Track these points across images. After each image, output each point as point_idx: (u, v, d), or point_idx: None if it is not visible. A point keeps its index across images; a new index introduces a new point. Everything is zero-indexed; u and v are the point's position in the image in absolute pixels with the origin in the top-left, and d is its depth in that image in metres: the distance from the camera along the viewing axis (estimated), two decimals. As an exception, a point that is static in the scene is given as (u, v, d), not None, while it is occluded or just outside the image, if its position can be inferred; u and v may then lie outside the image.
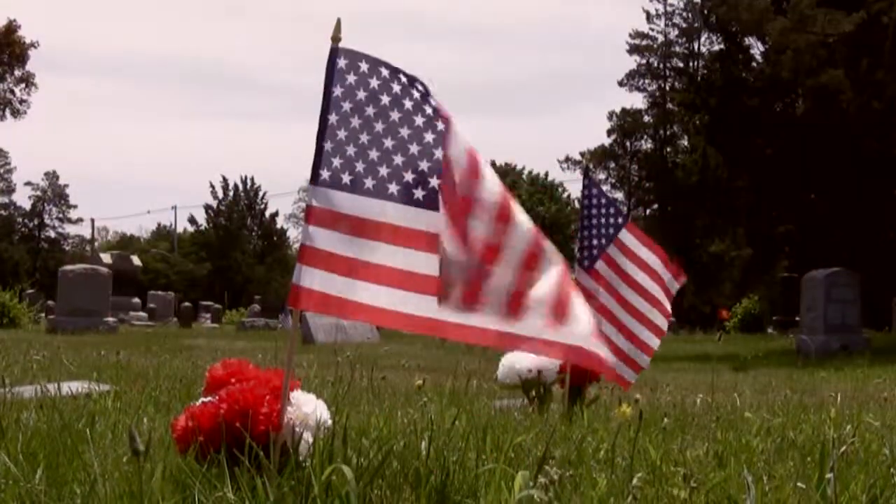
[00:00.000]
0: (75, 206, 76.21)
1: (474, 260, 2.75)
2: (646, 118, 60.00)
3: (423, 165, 2.78)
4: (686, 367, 14.43)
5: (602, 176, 58.15)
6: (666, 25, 59.00)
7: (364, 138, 2.79)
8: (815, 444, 3.85)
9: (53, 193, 75.72)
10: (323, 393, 4.92)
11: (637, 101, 72.81)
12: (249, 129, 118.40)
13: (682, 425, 4.71)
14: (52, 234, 76.29)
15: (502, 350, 5.20)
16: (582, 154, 60.30)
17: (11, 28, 48.43)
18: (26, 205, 75.52)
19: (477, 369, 8.84)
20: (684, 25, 58.50)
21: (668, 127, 58.81)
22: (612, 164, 60.12)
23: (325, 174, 2.76)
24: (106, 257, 34.40)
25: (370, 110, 2.80)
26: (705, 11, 46.49)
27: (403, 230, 2.73)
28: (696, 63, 56.90)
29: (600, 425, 4.38)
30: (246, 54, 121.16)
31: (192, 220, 73.47)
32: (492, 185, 2.80)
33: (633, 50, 59.04)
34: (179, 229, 76.09)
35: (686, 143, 57.12)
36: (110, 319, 22.17)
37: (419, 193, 2.76)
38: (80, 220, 75.94)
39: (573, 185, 68.23)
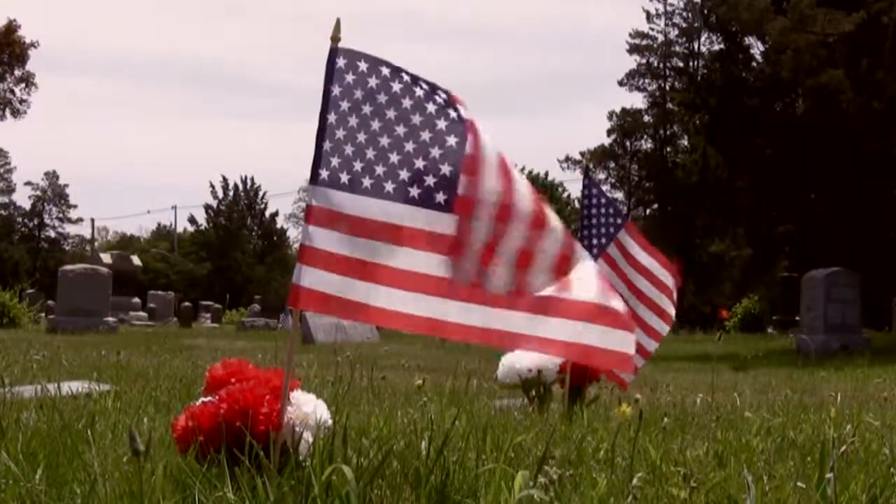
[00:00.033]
0: (75, 206, 76.29)
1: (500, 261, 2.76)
2: (646, 118, 60.01)
3: (419, 163, 2.77)
4: (686, 367, 14.43)
5: (602, 176, 58.16)
6: (666, 25, 59.03)
7: (361, 137, 2.78)
8: (815, 443, 3.86)
9: (53, 193, 75.73)
10: (323, 393, 4.92)
11: (637, 100, 72.83)
12: (249, 129, 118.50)
13: (682, 425, 4.71)
14: (52, 233, 76.33)
15: (502, 350, 5.20)
16: (582, 154, 60.30)
17: (11, 28, 48.43)
18: (26, 205, 75.61)
19: (477, 369, 8.84)
20: (684, 25, 58.51)
21: (668, 127, 58.81)
22: (612, 164, 60.13)
23: (324, 174, 2.76)
24: (106, 257, 34.41)
25: (367, 109, 2.80)
26: (705, 11, 46.48)
27: (401, 229, 2.73)
28: (696, 63, 56.90)
29: (600, 425, 4.38)
30: (246, 54, 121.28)
31: (192, 220, 73.53)
32: (523, 192, 2.79)
33: (633, 50, 59.04)
34: (179, 229, 76.15)
35: (686, 142, 57.13)
36: (110, 319, 22.17)
37: (414, 191, 2.75)
38: (80, 219, 76.02)
39: (573, 185, 68.26)
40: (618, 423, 4.14)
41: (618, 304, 2.79)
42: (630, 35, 59.05)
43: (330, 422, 2.92)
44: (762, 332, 31.76)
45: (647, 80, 59.56)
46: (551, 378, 5.41)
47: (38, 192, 75.35)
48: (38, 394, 5.01)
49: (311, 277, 2.70)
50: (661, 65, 59.29)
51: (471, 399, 6.13)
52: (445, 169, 2.76)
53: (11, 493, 2.67)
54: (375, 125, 2.79)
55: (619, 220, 5.49)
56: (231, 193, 72.31)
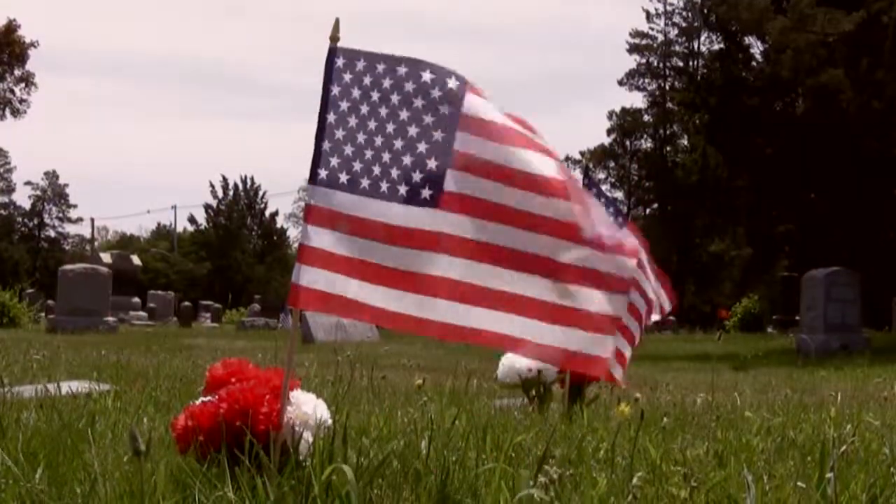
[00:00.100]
0: (75, 206, 76.33)
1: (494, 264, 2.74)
2: (646, 117, 60.06)
3: (407, 160, 2.76)
4: (686, 367, 14.42)
5: (602, 175, 58.22)
6: (666, 25, 59.10)
7: (361, 138, 2.78)
8: (816, 443, 3.85)
9: (53, 193, 75.76)
10: (323, 392, 4.92)
11: (637, 100, 72.83)
12: (249, 129, 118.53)
13: (682, 425, 4.71)
14: (52, 233, 76.36)
15: (502, 350, 5.19)
16: (582, 153, 60.30)
17: (11, 28, 48.42)
18: (26, 204, 75.64)
19: (477, 369, 8.83)
20: (684, 25, 58.57)
21: (668, 126, 58.86)
22: (612, 164, 60.17)
23: (323, 173, 2.76)
24: (106, 257, 34.39)
25: (364, 109, 2.80)
26: (705, 11, 46.49)
27: (396, 228, 2.73)
28: (695, 62, 56.95)
29: (600, 424, 4.38)
30: (246, 54, 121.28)
31: (191, 220, 73.55)
32: (522, 193, 2.75)
33: (633, 49, 59.10)
34: (179, 229, 76.16)
35: (686, 142, 57.19)
36: (110, 319, 22.16)
37: (403, 189, 2.75)
38: (79, 219, 76.05)
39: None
40: (618, 423, 4.14)
41: (597, 306, 2.77)
42: (630, 35, 59.16)
43: (330, 421, 2.92)
44: (762, 332, 31.73)
45: (646, 80, 59.63)
46: (551, 378, 5.41)
47: (38, 192, 75.40)
48: (38, 393, 5.01)
49: (310, 277, 2.70)
50: (661, 64, 59.34)
51: (471, 399, 6.12)
52: (432, 164, 2.75)
53: (11, 492, 2.67)
54: (372, 125, 2.79)
55: (619, 220, 5.48)
56: (231, 193, 72.34)
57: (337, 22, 2.81)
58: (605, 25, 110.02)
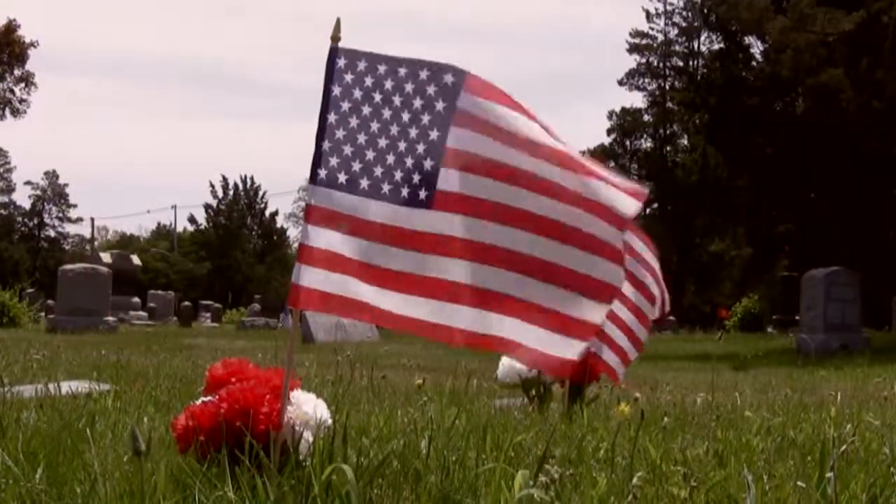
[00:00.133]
0: (75, 206, 76.37)
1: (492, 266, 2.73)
2: (645, 117, 60.07)
3: (409, 162, 2.76)
4: (686, 367, 14.42)
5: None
6: (666, 24, 59.13)
7: (362, 139, 2.78)
8: (816, 443, 3.85)
9: (53, 193, 75.77)
10: (323, 392, 4.92)
11: (637, 100, 72.82)
12: (249, 129, 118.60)
13: (682, 424, 4.71)
14: (52, 233, 76.39)
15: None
16: (582, 153, 60.05)
17: (11, 27, 48.41)
18: (26, 204, 75.68)
19: (477, 369, 8.83)
20: (684, 24, 58.59)
21: (668, 126, 58.87)
22: (612, 164, 60.10)
23: (322, 173, 2.76)
24: (106, 257, 34.39)
25: (366, 110, 2.79)
26: (705, 10, 46.47)
27: (396, 230, 2.73)
28: (695, 62, 56.97)
29: (600, 424, 4.38)
30: (246, 54, 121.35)
31: (191, 220, 73.58)
32: (522, 192, 2.74)
33: (633, 49, 59.11)
34: (179, 229, 76.18)
35: (686, 142, 57.20)
36: (110, 319, 22.16)
37: (405, 191, 2.75)
38: (79, 219, 76.09)
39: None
40: (618, 423, 4.14)
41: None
42: (630, 34, 59.17)
43: (330, 421, 2.92)
44: (762, 332, 31.73)
45: (646, 80, 59.65)
46: (551, 378, 5.40)
47: (38, 192, 75.42)
48: (38, 393, 5.01)
49: (310, 277, 2.70)
50: (661, 64, 59.35)
51: (471, 398, 6.12)
52: (428, 164, 2.75)
53: (12, 492, 2.67)
54: (374, 126, 2.79)
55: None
56: (231, 193, 72.34)
57: (338, 22, 2.81)
58: (605, 25, 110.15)
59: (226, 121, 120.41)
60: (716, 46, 48.32)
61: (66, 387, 5.50)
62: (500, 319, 2.73)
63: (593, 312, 2.75)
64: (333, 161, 2.76)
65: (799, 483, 2.92)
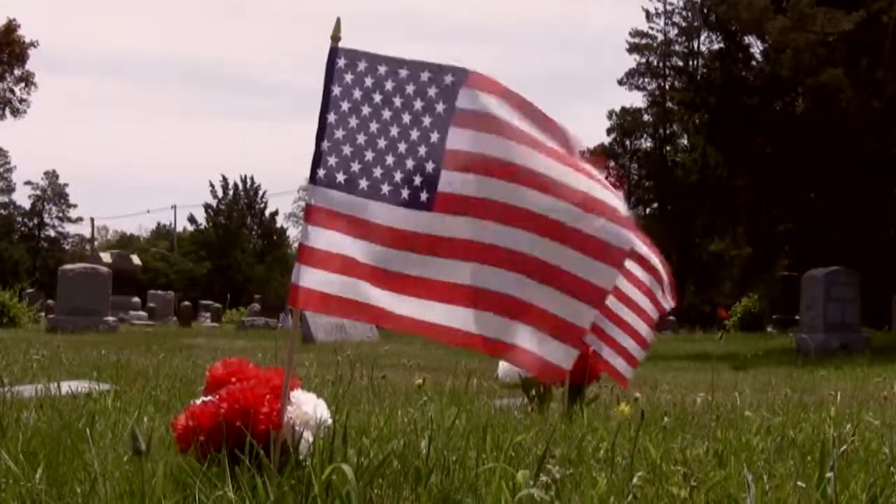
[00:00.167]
0: (75, 206, 76.35)
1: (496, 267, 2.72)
2: (645, 117, 60.07)
3: (410, 164, 2.76)
4: (686, 366, 14.42)
5: (602, 175, 58.05)
6: (666, 24, 59.12)
7: (361, 139, 2.78)
8: (815, 442, 3.86)
9: (53, 193, 75.76)
10: (323, 392, 4.92)
11: (637, 99, 72.83)
12: (249, 129, 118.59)
13: (682, 424, 4.71)
14: (52, 233, 76.38)
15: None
16: (581, 153, 60.17)
17: (11, 27, 48.41)
18: (26, 204, 75.67)
19: (477, 368, 8.84)
20: (684, 24, 58.57)
21: (668, 126, 58.86)
22: (612, 163, 60.06)
23: (321, 173, 2.76)
24: (106, 256, 34.38)
25: (366, 111, 2.79)
26: (705, 10, 46.48)
27: (395, 231, 2.73)
28: (695, 62, 56.97)
29: (600, 424, 4.38)
30: (246, 54, 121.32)
31: (191, 220, 73.56)
32: (530, 192, 2.73)
33: (633, 49, 59.11)
34: (179, 228, 76.16)
35: (686, 141, 57.19)
36: (110, 319, 22.15)
37: (406, 193, 2.75)
38: (79, 219, 76.07)
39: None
40: (618, 423, 4.14)
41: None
42: (630, 34, 59.15)
43: (330, 421, 2.92)
44: (762, 331, 31.72)
45: (646, 80, 59.64)
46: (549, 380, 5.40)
47: (38, 192, 75.41)
48: (38, 393, 5.01)
49: (310, 277, 2.70)
50: (661, 64, 59.34)
51: (471, 398, 6.12)
52: (429, 167, 2.75)
53: (12, 492, 2.67)
54: (374, 127, 2.79)
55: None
56: (231, 193, 72.32)
57: (338, 22, 2.81)
58: (605, 25, 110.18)
59: (226, 121, 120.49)
60: (716, 46, 48.32)
61: (66, 387, 5.50)
62: (499, 321, 2.73)
63: (584, 318, 2.74)
64: (332, 161, 2.76)
65: (799, 483, 2.92)
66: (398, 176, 2.75)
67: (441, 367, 10.58)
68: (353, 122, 2.79)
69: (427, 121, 2.76)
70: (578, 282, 2.70)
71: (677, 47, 59.09)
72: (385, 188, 2.75)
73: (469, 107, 2.75)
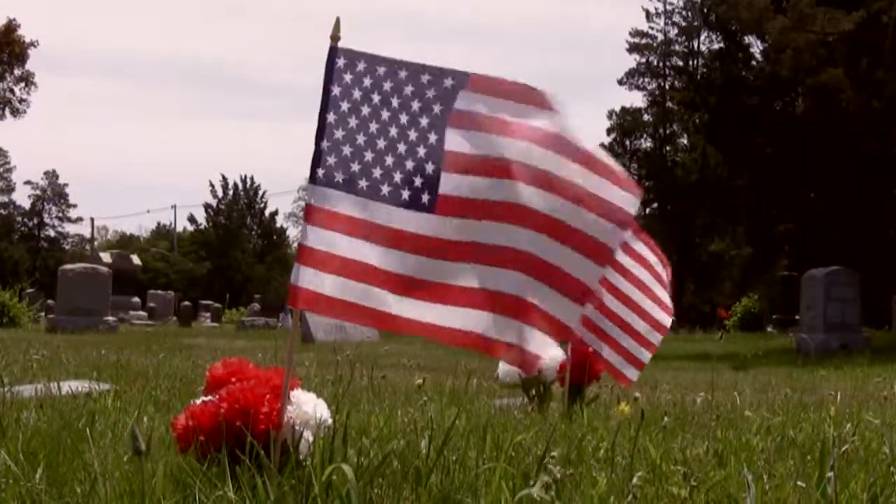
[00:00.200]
0: (75, 206, 76.38)
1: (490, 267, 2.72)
2: (645, 117, 60.05)
3: (409, 164, 2.76)
4: (686, 366, 14.42)
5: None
6: (665, 24, 59.12)
7: (361, 140, 2.78)
8: (816, 442, 3.86)
9: (53, 193, 75.77)
10: (323, 392, 4.92)
11: (637, 99, 72.83)
12: (249, 129, 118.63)
13: (682, 424, 4.71)
14: (52, 233, 76.39)
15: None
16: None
17: (11, 27, 48.41)
18: (26, 204, 75.69)
19: (477, 368, 8.84)
20: (684, 24, 58.57)
21: (668, 125, 58.85)
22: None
23: (321, 173, 2.76)
24: (105, 256, 34.38)
25: (365, 111, 2.79)
26: (705, 10, 46.49)
27: (394, 232, 2.73)
28: (695, 62, 56.96)
29: (600, 424, 4.39)
30: (246, 54, 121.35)
31: (191, 220, 73.57)
32: (530, 190, 2.72)
33: (633, 48, 59.10)
34: (179, 228, 76.17)
35: (686, 141, 57.19)
36: (110, 318, 22.15)
37: (406, 194, 2.75)
38: (79, 219, 76.09)
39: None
40: (618, 422, 4.14)
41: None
42: (630, 34, 59.15)
43: (330, 421, 2.92)
44: (762, 331, 31.74)
45: (646, 79, 59.63)
46: (551, 377, 5.41)
47: (38, 192, 75.42)
48: (38, 393, 5.01)
49: (309, 277, 2.70)
50: (661, 64, 59.34)
51: (471, 398, 6.12)
52: (429, 168, 2.75)
53: (12, 492, 2.67)
54: (373, 127, 2.79)
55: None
56: (231, 193, 72.33)
57: (338, 21, 2.81)
58: (605, 25, 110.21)
59: (226, 121, 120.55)
60: (716, 46, 48.33)
61: (66, 387, 5.50)
62: (500, 321, 2.73)
63: (573, 316, 2.75)
64: (331, 160, 2.77)
65: (799, 483, 2.92)
66: (398, 177, 2.76)
67: (441, 367, 10.58)
68: (353, 122, 2.79)
69: (424, 121, 2.76)
70: (570, 280, 2.71)
71: (677, 47, 59.09)
72: (385, 188, 2.75)
73: (466, 106, 2.75)
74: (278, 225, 75.07)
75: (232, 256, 68.88)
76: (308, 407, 2.85)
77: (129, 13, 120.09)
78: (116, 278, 25.23)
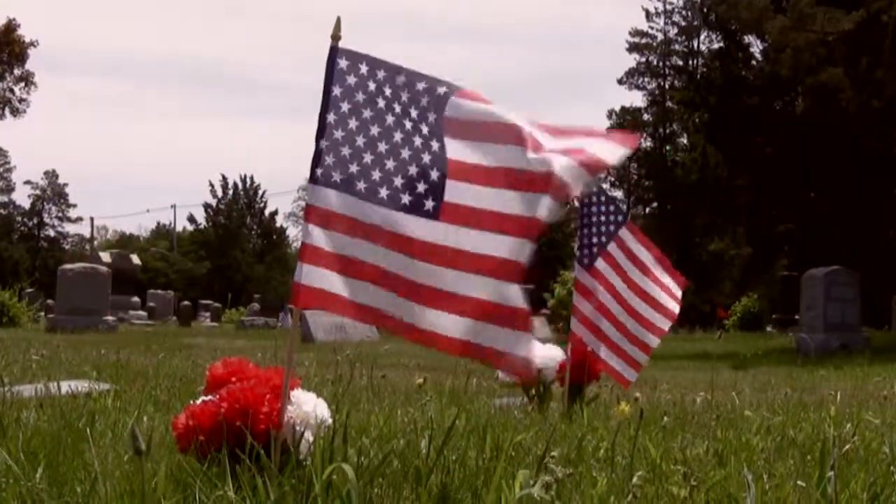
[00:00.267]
0: (75, 205, 76.37)
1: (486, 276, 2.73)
2: (645, 116, 60.05)
3: (412, 170, 2.77)
4: (685, 366, 14.43)
5: (602, 174, 58.05)
6: (665, 24, 59.14)
7: (360, 141, 2.79)
8: (815, 442, 3.86)
9: (53, 192, 75.76)
10: (323, 391, 4.92)
11: (637, 99, 72.80)
12: (249, 129, 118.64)
13: (681, 424, 4.71)
14: (52, 232, 76.39)
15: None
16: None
17: (11, 27, 48.42)
18: (26, 204, 75.69)
19: (477, 368, 8.83)
20: (684, 24, 58.58)
21: (668, 125, 58.85)
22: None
23: (319, 172, 2.77)
24: (105, 256, 34.38)
25: (367, 113, 2.80)
26: (705, 10, 46.50)
27: (393, 234, 2.74)
28: (695, 61, 56.98)
29: (600, 424, 4.39)
30: (246, 54, 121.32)
31: (191, 219, 73.57)
32: (515, 196, 2.73)
33: (633, 48, 59.12)
34: (179, 228, 76.16)
35: (686, 141, 57.18)
36: (110, 318, 22.15)
37: (406, 199, 2.75)
38: (79, 218, 76.07)
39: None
40: (618, 422, 4.14)
41: (520, 302, 2.75)
42: (630, 34, 59.17)
43: (330, 420, 2.92)
44: (762, 331, 31.74)
45: (646, 79, 59.64)
46: (551, 377, 5.41)
47: (38, 192, 75.41)
48: (38, 393, 5.01)
49: (312, 275, 2.71)
50: (661, 63, 59.35)
51: (471, 398, 6.12)
52: (434, 175, 2.76)
53: (12, 491, 2.68)
54: (374, 130, 2.79)
55: (619, 218, 5.48)
56: (230, 192, 72.32)
57: (338, 21, 2.81)
58: (605, 25, 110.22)
59: (226, 121, 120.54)
60: (715, 46, 48.35)
61: (66, 386, 5.50)
62: (494, 329, 2.74)
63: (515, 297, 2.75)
64: (330, 160, 2.77)
65: (799, 482, 2.92)
66: (398, 181, 2.76)
67: (441, 366, 10.58)
68: (353, 123, 2.79)
69: (426, 129, 2.78)
70: (504, 261, 2.72)
71: (677, 47, 59.11)
72: (383, 192, 2.76)
73: (455, 114, 2.78)
74: (278, 225, 75.15)
75: (232, 256, 68.88)
76: (308, 407, 2.85)
77: (129, 13, 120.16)
78: (116, 278, 25.24)
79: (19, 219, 76.19)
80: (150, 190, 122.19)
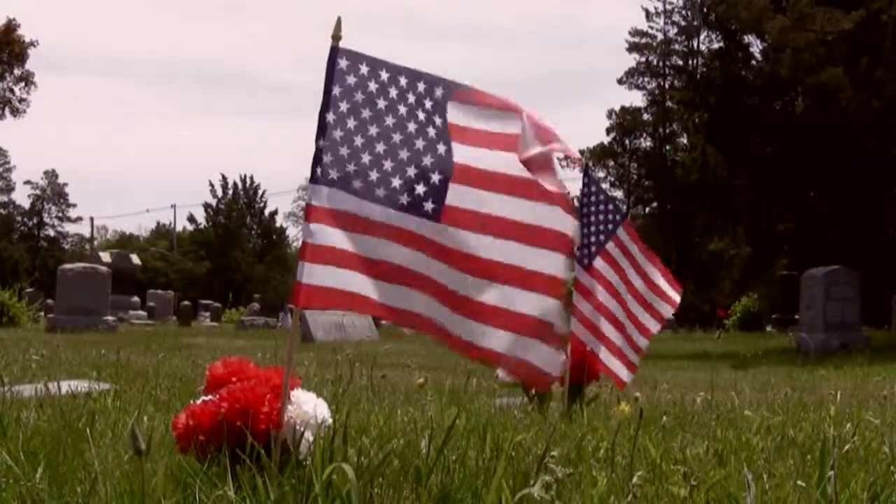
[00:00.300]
0: (74, 205, 76.39)
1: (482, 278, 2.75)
2: (645, 116, 60.06)
3: (411, 171, 2.79)
4: (685, 366, 14.43)
5: (601, 174, 58.15)
6: (665, 23, 59.14)
7: (358, 141, 2.80)
8: (815, 442, 3.86)
9: (53, 192, 75.76)
10: (323, 391, 4.92)
11: (636, 99, 72.84)
12: (249, 129, 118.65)
13: (681, 423, 4.71)
14: (52, 232, 76.39)
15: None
16: (581, 152, 60.19)
17: (11, 27, 48.42)
18: (26, 203, 75.71)
19: (477, 368, 8.83)
20: (683, 23, 58.58)
21: (668, 125, 58.87)
22: (612, 163, 60.12)
23: (318, 171, 2.77)
24: (105, 256, 34.38)
25: (366, 114, 2.81)
26: (705, 9, 46.48)
27: (391, 228, 2.76)
28: (695, 61, 56.97)
29: (600, 424, 4.39)
30: (246, 54, 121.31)
31: (191, 219, 73.59)
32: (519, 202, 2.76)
33: (633, 48, 59.12)
34: (179, 228, 76.17)
35: (685, 141, 57.21)
36: (109, 318, 22.16)
37: (405, 199, 2.77)
38: (79, 218, 76.09)
39: (572, 183, 68.01)
40: (617, 422, 4.14)
41: (559, 320, 2.80)
42: (629, 33, 59.17)
43: (330, 420, 2.92)
44: (762, 331, 31.75)
45: (646, 79, 59.64)
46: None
47: (38, 191, 75.42)
48: (38, 393, 5.01)
49: (313, 274, 2.72)
50: (661, 63, 59.35)
51: (471, 397, 6.12)
52: (435, 177, 2.78)
53: (12, 491, 2.67)
54: (373, 130, 2.80)
55: (618, 217, 5.50)
56: (230, 192, 72.33)
57: (339, 21, 2.81)
58: (605, 25, 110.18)
59: (226, 121, 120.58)
60: (715, 45, 48.38)
61: (66, 386, 5.50)
62: (493, 332, 2.77)
63: (554, 315, 2.80)
64: (328, 159, 2.78)
65: (799, 482, 2.92)
66: (396, 182, 2.78)
67: (441, 366, 10.59)
68: (352, 123, 2.80)
69: (432, 131, 2.80)
70: (544, 278, 2.77)
71: (677, 46, 59.11)
72: (380, 192, 2.77)
73: (457, 121, 2.81)
74: (278, 224, 75.17)
75: (231, 256, 68.89)
76: (308, 406, 2.85)
77: (129, 13, 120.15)
78: (116, 278, 25.24)
79: (19, 219, 76.20)
80: (150, 190, 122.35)
